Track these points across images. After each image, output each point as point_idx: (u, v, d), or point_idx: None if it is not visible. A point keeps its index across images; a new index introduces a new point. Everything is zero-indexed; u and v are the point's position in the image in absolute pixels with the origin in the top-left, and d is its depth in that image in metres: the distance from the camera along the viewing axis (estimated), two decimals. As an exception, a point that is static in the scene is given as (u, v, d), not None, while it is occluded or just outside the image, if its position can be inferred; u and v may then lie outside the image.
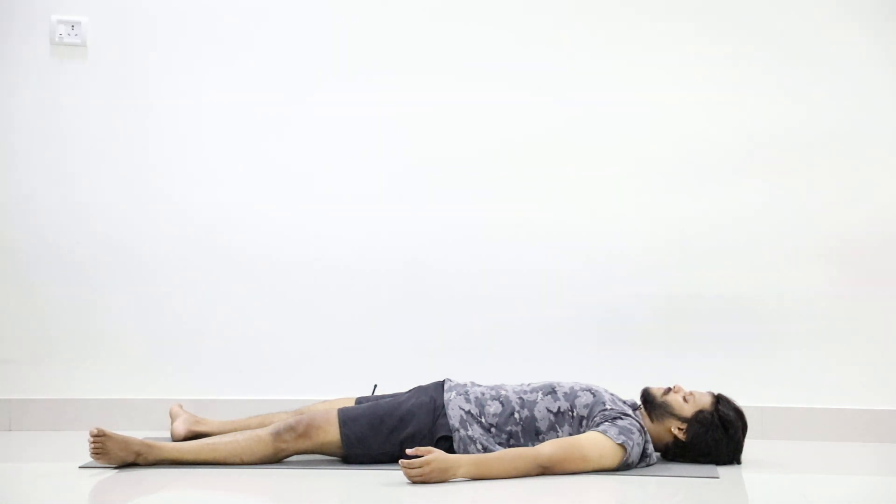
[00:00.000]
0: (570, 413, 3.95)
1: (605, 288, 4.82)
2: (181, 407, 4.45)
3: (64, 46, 4.87)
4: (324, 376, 4.81)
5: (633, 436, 3.85)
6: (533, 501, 3.53)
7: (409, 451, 3.66)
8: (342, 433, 3.93)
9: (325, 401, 4.32)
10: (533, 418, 3.95)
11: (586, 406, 3.94)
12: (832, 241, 4.76)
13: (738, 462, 4.01)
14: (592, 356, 4.76)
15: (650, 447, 3.94)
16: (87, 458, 3.88)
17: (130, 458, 3.84)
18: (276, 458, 3.94)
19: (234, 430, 4.20)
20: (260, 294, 4.88)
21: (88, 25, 4.88)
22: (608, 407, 3.92)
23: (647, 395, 4.03)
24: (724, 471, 3.89)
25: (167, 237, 4.89)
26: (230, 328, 4.87)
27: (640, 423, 3.91)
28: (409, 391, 4.14)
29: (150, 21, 4.89)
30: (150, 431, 4.51)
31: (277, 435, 3.92)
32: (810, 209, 4.77)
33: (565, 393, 3.98)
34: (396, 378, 4.43)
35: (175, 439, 4.28)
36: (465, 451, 3.90)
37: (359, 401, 4.26)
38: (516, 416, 3.95)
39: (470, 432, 3.93)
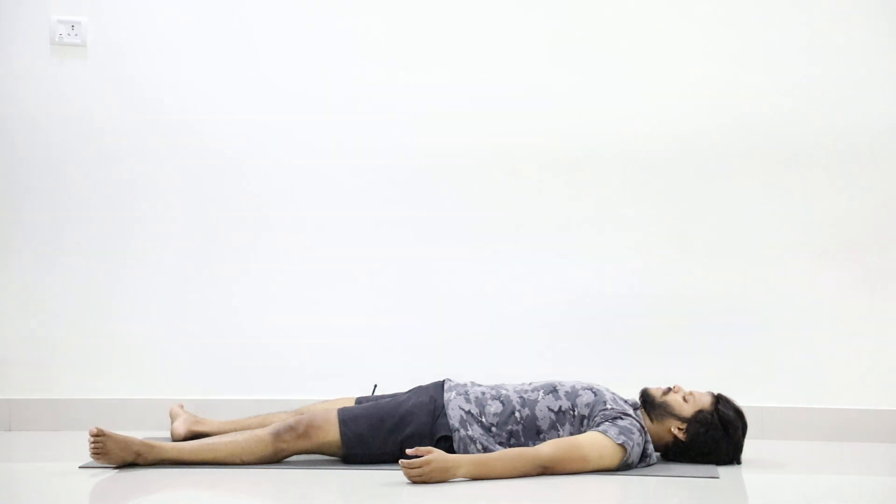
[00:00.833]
0: (571, 412, 3.95)
1: (606, 288, 4.82)
2: (181, 407, 4.45)
3: (64, 46, 4.87)
4: (324, 376, 4.81)
5: (633, 436, 3.85)
6: (533, 501, 3.52)
7: (409, 451, 3.66)
8: (342, 433, 3.93)
9: (325, 401, 4.32)
10: (534, 417, 3.95)
11: (587, 405, 3.94)
12: (832, 241, 4.76)
13: (738, 462, 4.01)
14: (592, 356, 4.76)
15: (650, 447, 3.94)
16: (87, 458, 3.88)
17: (130, 458, 3.84)
18: (275, 458, 3.94)
19: (234, 430, 4.20)
20: (260, 294, 4.88)
21: (88, 25, 4.88)
22: (609, 406, 3.92)
23: (646, 395, 4.03)
24: (724, 471, 3.89)
25: (167, 236, 4.88)
26: (230, 328, 4.87)
27: (640, 423, 3.91)
28: (409, 391, 4.14)
29: (150, 21, 4.89)
30: (150, 431, 4.50)
31: (277, 435, 3.92)
32: (811, 209, 4.77)
33: (566, 392, 3.98)
34: (396, 378, 4.43)
35: (175, 439, 4.28)
36: (465, 451, 3.90)
37: (359, 401, 4.26)
38: (517, 415, 3.95)
39: (470, 432, 3.92)
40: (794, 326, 4.76)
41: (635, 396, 4.07)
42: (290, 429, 3.92)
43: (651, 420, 4.00)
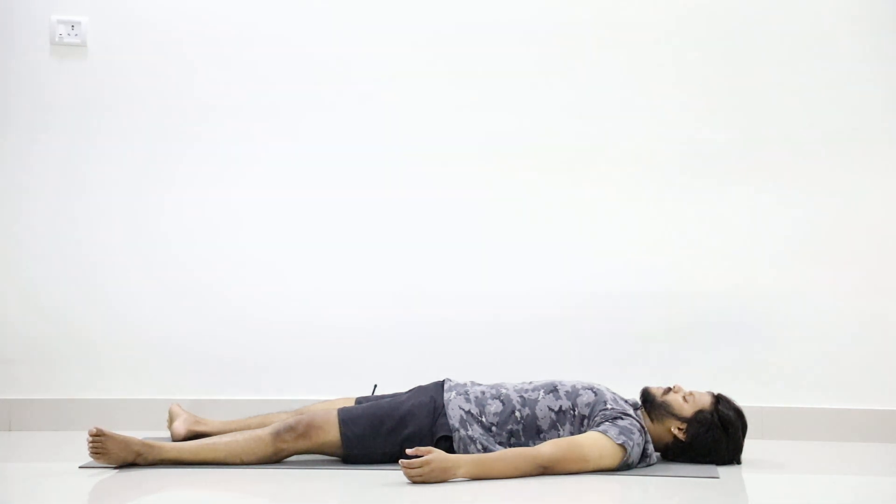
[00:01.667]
0: (571, 412, 3.95)
1: (606, 288, 4.82)
2: (181, 407, 4.45)
3: (64, 46, 4.87)
4: (324, 376, 4.81)
5: (633, 436, 3.85)
6: (533, 501, 3.53)
7: (409, 451, 3.66)
8: (342, 433, 3.93)
9: (325, 401, 4.32)
10: (534, 417, 3.95)
11: (588, 405, 3.94)
12: (832, 241, 4.76)
13: (738, 462, 4.01)
14: (592, 356, 4.76)
15: (650, 447, 3.94)
16: (87, 458, 3.88)
17: (130, 458, 3.84)
18: (275, 458, 3.94)
19: (234, 430, 4.20)
20: (260, 294, 4.88)
21: (88, 25, 4.88)
22: (609, 406, 3.92)
23: (646, 395, 4.03)
24: (724, 471, 3.89)
25: (167, 236, 4.89)
26: (230, 328, 4.87)
27: (640, 423, 3.91)
28: (409, 391, 4.14)
29: (150, 21, 4.89)
30: (150, 431, 4.50)
31: (277, 435, 3.92)
32: (811, 209, 4.77)
33: (567, 391, 3.98)
34: (396, 378, 4.43)
35: (175, 439, 4.28)
36: (465, 451, 3.90)
37: (359, 401, 4.25)
38: (517, 414, 3.95)
39: (470, 432, 3.92)
40: (794, 326, 4.76)
41: (636, 396, 4.07)
42: (290, 429, 3.92)
43: (651, 420, 4.00)
